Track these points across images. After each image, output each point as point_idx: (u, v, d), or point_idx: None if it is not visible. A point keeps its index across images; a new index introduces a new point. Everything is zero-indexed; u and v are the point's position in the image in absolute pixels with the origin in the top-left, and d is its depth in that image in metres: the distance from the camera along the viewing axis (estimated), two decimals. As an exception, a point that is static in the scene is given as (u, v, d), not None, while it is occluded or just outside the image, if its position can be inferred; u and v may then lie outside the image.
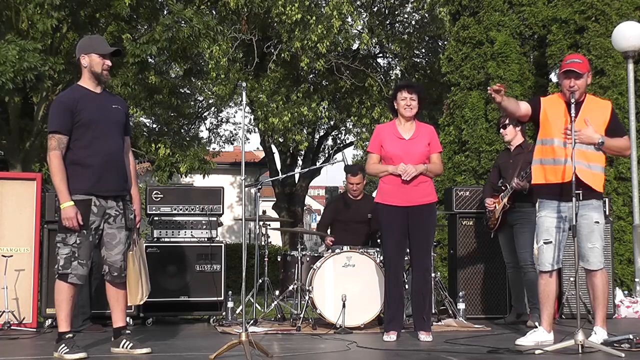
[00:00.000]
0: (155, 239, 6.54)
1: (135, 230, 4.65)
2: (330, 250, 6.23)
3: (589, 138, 4.72)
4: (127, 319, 6.20)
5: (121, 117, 4.60)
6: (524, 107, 4.93)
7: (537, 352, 4.40)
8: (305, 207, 23.98)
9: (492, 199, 6.41)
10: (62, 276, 4.36)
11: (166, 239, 6.56)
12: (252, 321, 6.05)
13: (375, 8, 17.58)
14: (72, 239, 4.35)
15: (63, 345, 4.28)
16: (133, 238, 4.61)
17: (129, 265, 4.53)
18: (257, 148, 27.34)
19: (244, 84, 4.63)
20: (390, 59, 18.43)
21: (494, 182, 6.53)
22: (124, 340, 4.52)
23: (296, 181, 19.08)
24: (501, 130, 6.50)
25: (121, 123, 4.59)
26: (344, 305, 5.67)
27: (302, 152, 19.21)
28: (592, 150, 4.79)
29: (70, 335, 4.35)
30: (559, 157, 4.76)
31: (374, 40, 16.38)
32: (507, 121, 6.44)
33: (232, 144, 22.27)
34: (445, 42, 14.75)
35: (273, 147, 18.47)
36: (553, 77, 9.88)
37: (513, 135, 6.43)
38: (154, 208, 6.58)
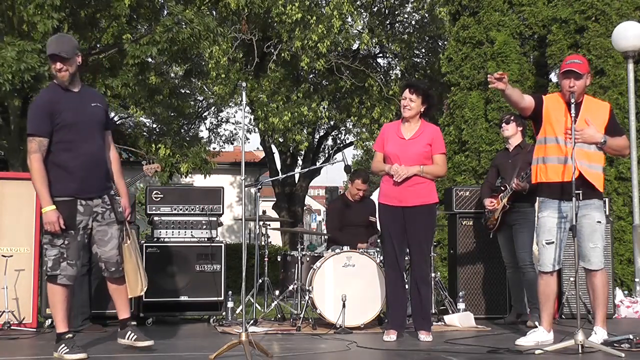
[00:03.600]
0: (155, 239, 6.53)
1: (126, 223, 4.62)
2: (330, 250, 6.24)
3: (592, 137, 4.72)
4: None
5: (101, 115, 4.57)
6: (528, 100, 4.91)
7: (537, 352, 4.40)
8: (305, 207, 23.97)
9: (491, 199, 6.38)
10: (52, 278, 4.34)
11: (166, 239, 6.56)
12: (252, 321, 6.05)
13: (375, 8, 17.58)
14: (59, 240, 4.33)
15: (63, 345, 4.28)
16: (125, 231, 4.59)
17: (126, 257, 4.52)
18: (257, 148, 27.34)
19: (244, 84, 4.64)
20: (390, 59, 18.44)
21: (492, 181, 6.52)
22: (130, 332, 4.54)
23: (296, 181, 19.08)
24: (503, 124, 6.45)
25: (101, 122, 4.57)
26: (344, 305, 5.67)
27: (302, 152, 19.20)
28: (594, 150, 4.80)
29: (70, 335, 4.35)
30: (562, 155, 4.76)
31: (374, 40, 16.38)
32: (512, 118, 6.42)
33: (232, 144, 22.28)
34: (445, 42, 14.75)
35: (273, 147, 18.46)
36: (553, 77, 9.88)
37: (514, 132, 6.40)
38: (154, 208, 6.57)
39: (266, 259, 6.59)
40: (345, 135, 20.49)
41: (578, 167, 4.65)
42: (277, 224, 15.57)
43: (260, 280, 6.48)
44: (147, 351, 4.62)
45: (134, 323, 4.64)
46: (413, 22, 18.08)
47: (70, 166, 4.37)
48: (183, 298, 6.43)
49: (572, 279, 6.72)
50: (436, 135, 5.37)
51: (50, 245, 4.34)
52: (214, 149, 19.28)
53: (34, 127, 4.36)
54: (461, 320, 6.17)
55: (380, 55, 18.46)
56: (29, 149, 4.35)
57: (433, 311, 6.14)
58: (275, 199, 19.83)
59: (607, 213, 6.88)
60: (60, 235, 4.32)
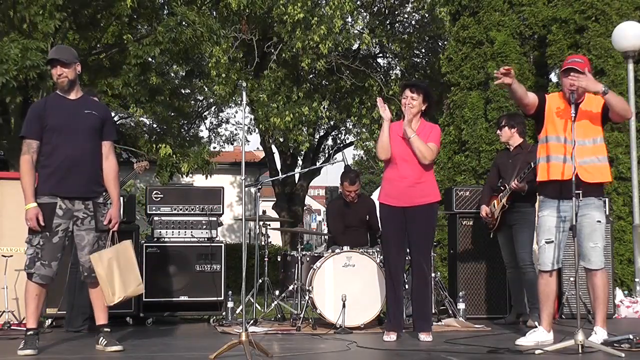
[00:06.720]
0: (155, 239, 6.54)
1: (112, 232, 4.68)
2: (330, 250, 6.24)
3: (593, 85, 4.67)
4: (127, 318, 6.26)
5: (94, 122, 4.67)
6: (532, 97, 4.92)
7: (537, 352, 4.40)
8: (305, 207, 23.95)
9: (487, 208, 6.39)
10: (28, 275, 4.51)
11: (166, 239, 6.56)
12: (252, 321, 6.06)
13: (376, 8, 17.58)
14: (36, 240, 4.50)
15: (23, 340, 4.43)
16: (110, 239, 4.66)
17: (97, 266, 4.57)
18: (257, 148, 27.34)
19: (244, 84, 4.68)
20: (390, 59, 18.41)
21: (493, 182, 6.52)
22: (102, 338, 4.61)
23: (296, 181, 19.07)
24: (497, 131, 6.54)
25: (93, 129, 4.67)
26: (344, 305, 5.67)
27: (302, 152, 19.20)
28: (597, 144, 4.81)
29: (31, 332, 4.47)
30: (563, 154, 4.77)
31: (374, 40, 16.37)
32: (503, 122, 6.44)
33: (232, 144, 22.27)
34: (445, 42, 14.75)
35: (273, 147, 18.45)
36: (553, 77, 9.89)
37: (508, 137, 6.43)
38: (154, 208, 6.57)
39: (266, 259, 6.59)
40: (345, 135, 20.48)
41: (578, 166, 4.64)
42: (277, 224, 15.56)
43: (260, 280, 6.48)
44: (148, 351, 4.63)
45: (107, 329, 4.67)
46: (413, 22, 18.06)
47: (50, 166, 4.55)
48: (183, 298, 6.43)
49: (572, 279, 6.73)
50: (433, 131, 5.40)
51: (29, 245, 4.52)
52: (214, 148, 19.27)
53: (24, 129, 4.64)
54: (458, 320, 6.18)
55: (380, 55, 18.44)
56: (22, 150, 4.58)
57: (433, 311, 6.14)
58: (275, 199, 19.81)
59: (607, 213, 6.87)
60: (37, 235, 4.48)
